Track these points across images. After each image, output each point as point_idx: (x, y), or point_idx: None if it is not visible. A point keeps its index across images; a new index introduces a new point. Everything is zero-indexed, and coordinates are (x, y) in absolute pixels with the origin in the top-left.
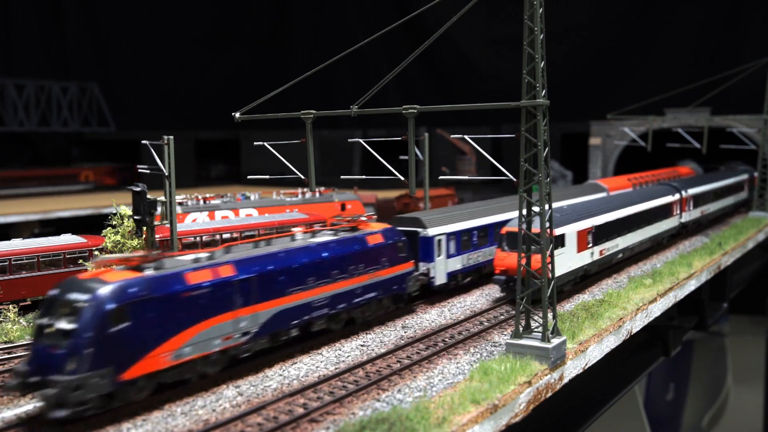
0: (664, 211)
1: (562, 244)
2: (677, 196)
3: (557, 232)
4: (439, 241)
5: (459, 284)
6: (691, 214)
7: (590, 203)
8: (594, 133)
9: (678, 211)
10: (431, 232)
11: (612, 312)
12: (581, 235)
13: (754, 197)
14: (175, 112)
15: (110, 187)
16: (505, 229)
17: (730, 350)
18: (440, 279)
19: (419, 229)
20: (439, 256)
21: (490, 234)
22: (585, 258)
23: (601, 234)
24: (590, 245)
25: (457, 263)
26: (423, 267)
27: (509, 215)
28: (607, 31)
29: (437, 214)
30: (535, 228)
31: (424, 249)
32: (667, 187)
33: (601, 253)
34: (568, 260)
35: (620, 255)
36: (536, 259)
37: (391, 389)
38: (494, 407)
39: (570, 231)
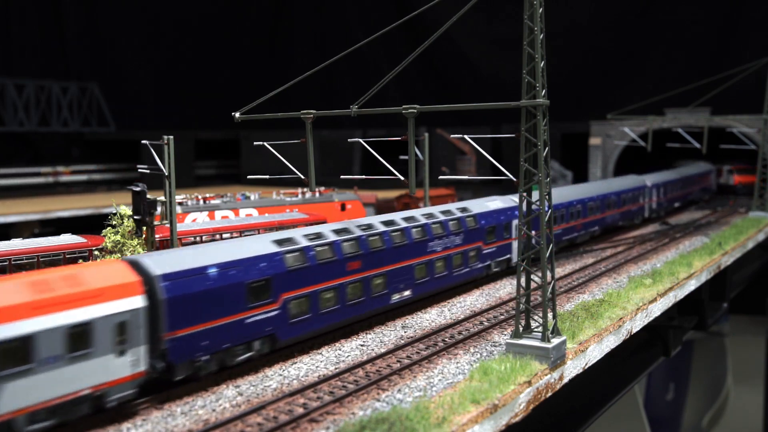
0: None
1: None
2: None
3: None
4: None
5: None
6: None
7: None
8: (594, 133)
9: None
10: None
11: (612, 312)
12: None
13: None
14: (175, 112)
15: None
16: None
17: (730, 350)
18: None
19: None
20: None
21: None
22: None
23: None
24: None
25: None
26: None
27: None
28: (607, 31)
29: None
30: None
31: None
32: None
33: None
34: None
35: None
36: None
37: (391, 389)
38: (494, 407)
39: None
